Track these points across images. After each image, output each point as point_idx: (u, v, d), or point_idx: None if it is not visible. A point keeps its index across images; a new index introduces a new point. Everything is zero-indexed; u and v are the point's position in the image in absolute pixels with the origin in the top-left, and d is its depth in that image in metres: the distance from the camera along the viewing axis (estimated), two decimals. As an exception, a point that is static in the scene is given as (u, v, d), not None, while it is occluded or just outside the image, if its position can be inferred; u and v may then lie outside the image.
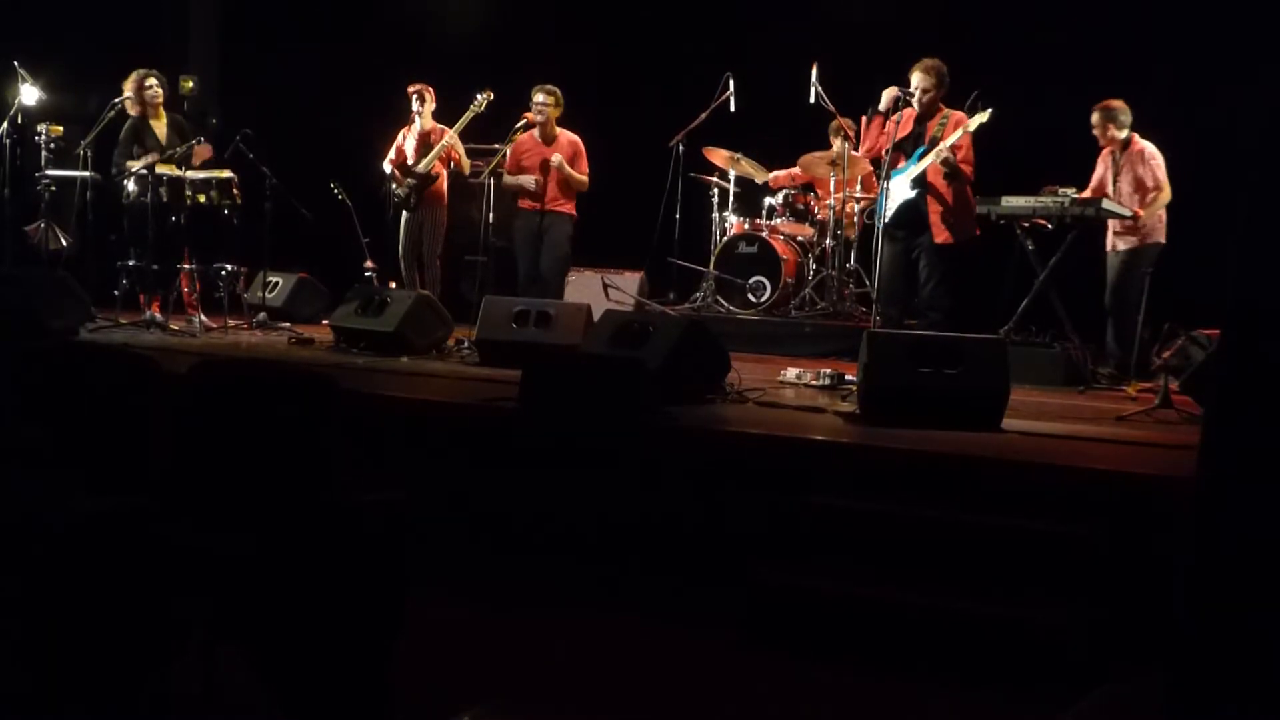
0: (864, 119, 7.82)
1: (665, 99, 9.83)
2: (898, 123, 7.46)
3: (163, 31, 11.77)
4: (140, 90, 8.51)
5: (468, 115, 8.74)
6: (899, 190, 7.54)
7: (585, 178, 8.65)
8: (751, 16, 10.34)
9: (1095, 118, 7.78)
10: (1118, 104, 7.74)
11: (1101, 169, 7.91)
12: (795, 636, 4.43)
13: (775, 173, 9.87)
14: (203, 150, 8.56)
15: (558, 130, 8.64)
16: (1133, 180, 7.70)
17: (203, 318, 8.39)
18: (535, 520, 5.27)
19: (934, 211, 7.51)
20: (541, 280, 8.65)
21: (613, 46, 10.73)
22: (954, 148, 7.39)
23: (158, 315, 8.40)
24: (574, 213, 8.70)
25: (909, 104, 7.53)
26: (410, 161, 8.95)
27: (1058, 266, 7.54)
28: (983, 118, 7.32)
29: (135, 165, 8.35)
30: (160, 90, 8.57)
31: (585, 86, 9.22)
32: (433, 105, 8.98)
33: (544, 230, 8.62)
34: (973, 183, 7.61)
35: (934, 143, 7.50)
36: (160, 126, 8.59)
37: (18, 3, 10.20)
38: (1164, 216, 7.73)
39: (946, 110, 7.58)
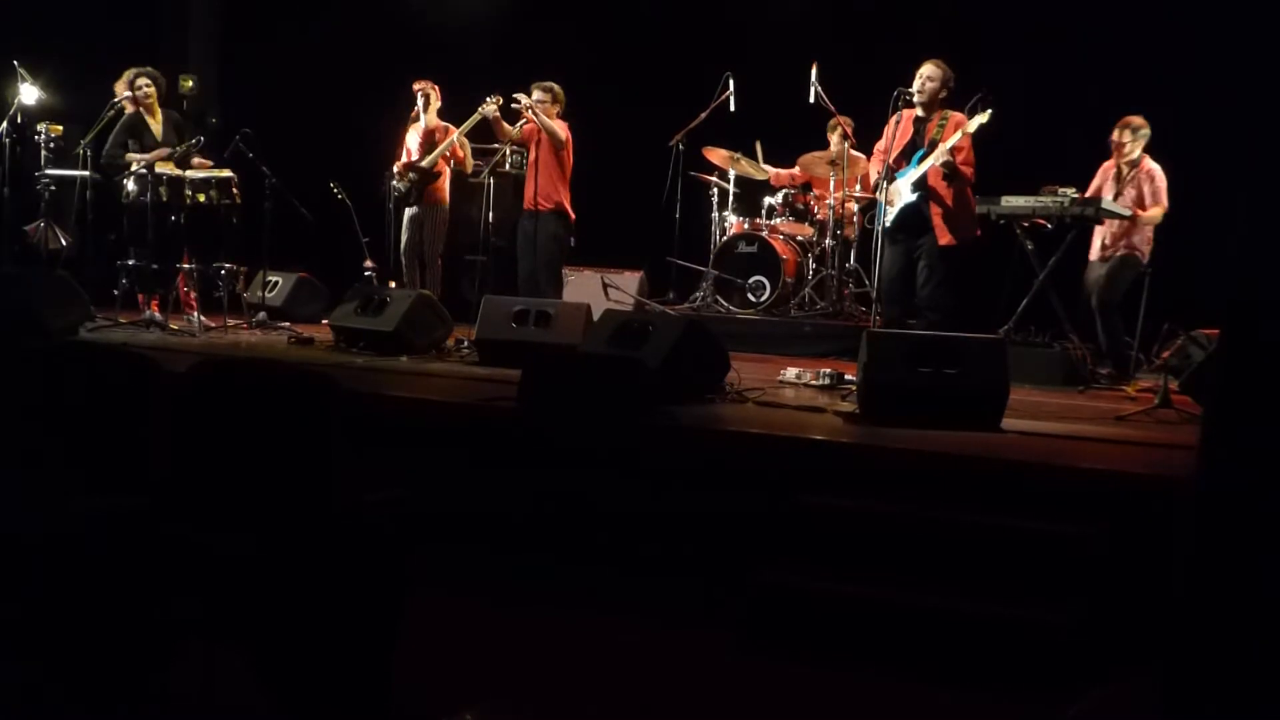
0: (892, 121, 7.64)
1: (665, 99, 9.83)
2: (899, 122, 7.44)
3: (163, 31, 11.76)
4: (130, 89, 8.51)
5: (474, 118, 8.70)
6: (900, 194, 7.52)
7: (560, 131, 8.50)
8: (751, 16, 10.33)
9: (1118, 133, 7.72)
10: (1138, 119, 7.70)
11: (1099, 180, 7.89)
12: (795, 636, 4.43)
13: (776, 170, 9.87)
14: (201, 163, 8.56)
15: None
16: (1136, 197, 7.68)
17: (201, 316, 8.38)
18: (535, 520, 5.27)
19: (936, 214, 7.48)
20: (536, 281, 8.62)
21: (613, 46, 10.73)
22: (954, 149, 7.38)
23: (157, 315, 8.40)
24: (566, 210, 8.62)
25: (909, 104, 7.50)
26: (414, 158, 8.95)
27: (1057, 266, 7.54)
28: (983, 118, 7.30)
29: (136, 158, 8.36)
30: (152, 89, 8.54)
31: (586, 86, 9.21)
32: (438, 104, 8.98)
33: (537, 232, 8.59)
34: (973, 184, 7.59)
35: (933, 145, 7.47)
36: (156, 124, 8.58)
37: (18, 2, 10.19)
38: (1150, 237, 7.72)
39: (946, 111, 7.56)
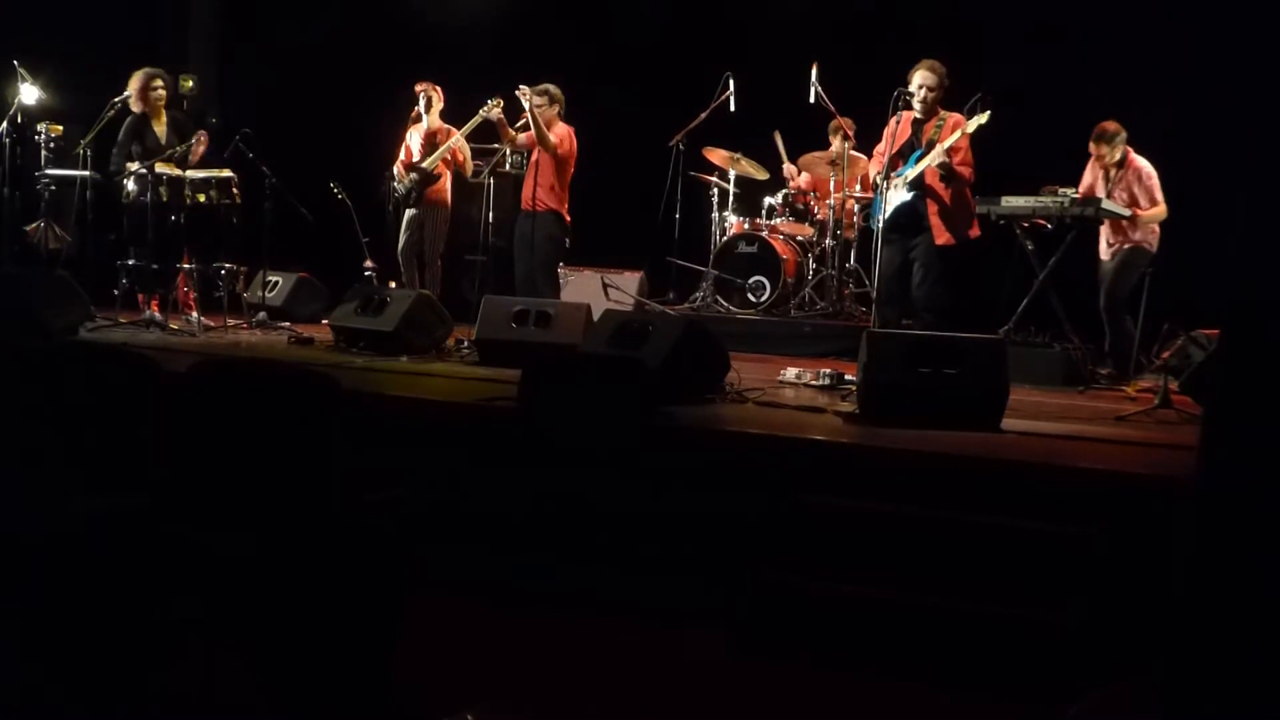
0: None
1: (665, 99, 9.83)
2: (898, 122, 7.44)
3: (163, 31, 11.76)
4: (146, 90, 8.53)
5: (476, 120, 8.68)
6: (896, 193, 7.51)
7: (555, 141, 8.44)
8: (751, 16, 10.33)
9: (1094, 145, 7.74)
10: (1111, 126, 7.71)
11: (1090, 178, 7.89)
12: (794, 636, 4.43)
13: (792, 167, 9.86)
14: (203, 138, 8.55)
15: (554, 126, 8.59)
16: (1128, 197, 7.69)
17: (200, 316, 8.38)
18: (535, 520, 5.27)
19: (932, 213, 7.47)
20: (534, 282, 8.61)
21: (613, 46, 10.73)
22: (953, 149, 7.36)
23: (157, 314, 8.40)
24: (563, 212, 8.59)
25: (908, 105, 7.49)
26: (415, 159, 8.95)
27: (1057, 266, 7.54)
28: (981, 119, 7.30)
29: (133, 166, 8.37)
30: (165, 91, 8.60)
31: (586, 86, 9.20)
32: (440, 105, 8.98)
33: (533, 232, 8.59)
34: (972, 185, 7.57)
35: (931, 145, 7.47)
36: (160, 126, 8.60)
37: (18, 2, 10.19)
38: (1157, 231, 7.73)
39: (944, 112, 7.56)
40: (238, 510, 3.47)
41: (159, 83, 8.56)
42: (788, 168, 9.87)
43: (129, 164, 8.40)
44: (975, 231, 7.59)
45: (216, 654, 3.48)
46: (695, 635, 4.56)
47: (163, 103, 8.60)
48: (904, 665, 4.24)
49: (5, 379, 3.75)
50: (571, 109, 8.67)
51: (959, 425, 5.39)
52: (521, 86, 8.30)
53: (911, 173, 7.48)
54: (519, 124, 8.56)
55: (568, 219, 8.63)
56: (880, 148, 7.76)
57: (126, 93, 8.55)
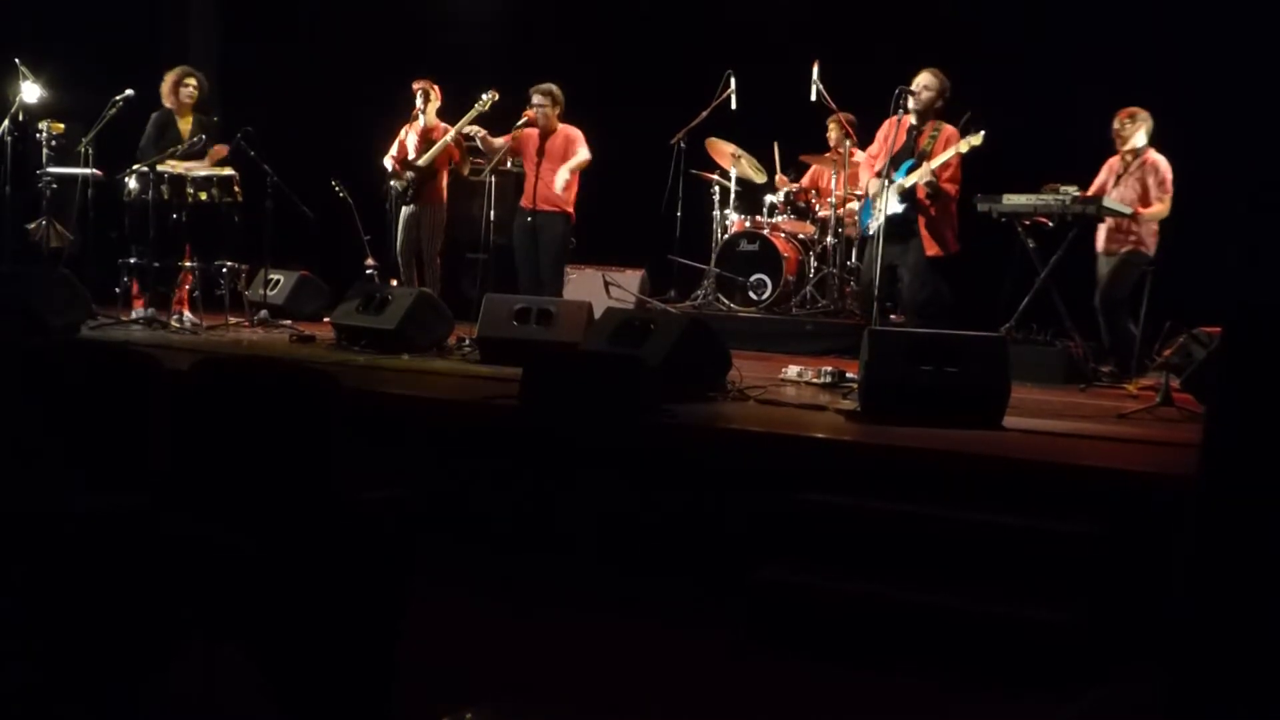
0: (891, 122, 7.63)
1: (666, 97, 9.82)
2: (897, 125, 7.43)
3: (163, 31, 11.76)
4: (176, 87, 8.55)
5: (472, 114, 8.68)
6: (888, 200, 7.51)
7: (584, 158, 8.48)
8: (752, 16, 10.32)
9: (1117, 123, 7.70)
10: (1143, 111, 7.68)
11: (1104, 176, 7.86)
12: (796, 635, 4.43)
13: (786, 179, 9.85)
14: (220, 150, 8.57)
15: (558, 126, 8.59)
16: (1139, 189, 7.66)
17: (189, 314, 8.39)
18: (535, 519, 5.27)
19: (921, 224, 7.52)
20: (538, 280, 8.61)
21: (614, 44, 10.72)
22: (943, 166, 7.39)
23: (159, 313, 8.40)
24: (569, 210, 8.59)
25: (909, 108, 7.48)
26: (411, 157, 8.94)
27: (1058, 264, 7.53)
28: (975, 141, 7.33)
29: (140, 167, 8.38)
30: (196, 91, 8.62)
31: (587, 84, 9.20)
32: (437, 102, 8.98)
33: (537, 230, 8.57)
34: (957, 200, 7.58)
35: (923, 155, 7.50)
36: (185, 125, 8.61)
37: (19, 1, 10.19)
38: (1156, 231, 7.70)
39: (939, 124, 7.57)
40: (238, 509, 3.47)
41: (191, 81, 8.60)
42: (779, 178, 9.85)
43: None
44: (956, 246, 7.59)
45: (217, 653, 3.48)
46: (697, 634, 4.55)
47: (193, 102, 8.63)
48: (904, 664, 4.23)
49: (6, 377, 3.75)
50: (572, 107, 8.66)
51: (960, 423, 5.39)
52: (526, 112, 8.37)
53: (903, 183, 7.49)
54: (520, 123, 8.54)
55: (574, 219, 8.63)
56: (873, 149, 7.79)
57: (128, 91, 8.55)
